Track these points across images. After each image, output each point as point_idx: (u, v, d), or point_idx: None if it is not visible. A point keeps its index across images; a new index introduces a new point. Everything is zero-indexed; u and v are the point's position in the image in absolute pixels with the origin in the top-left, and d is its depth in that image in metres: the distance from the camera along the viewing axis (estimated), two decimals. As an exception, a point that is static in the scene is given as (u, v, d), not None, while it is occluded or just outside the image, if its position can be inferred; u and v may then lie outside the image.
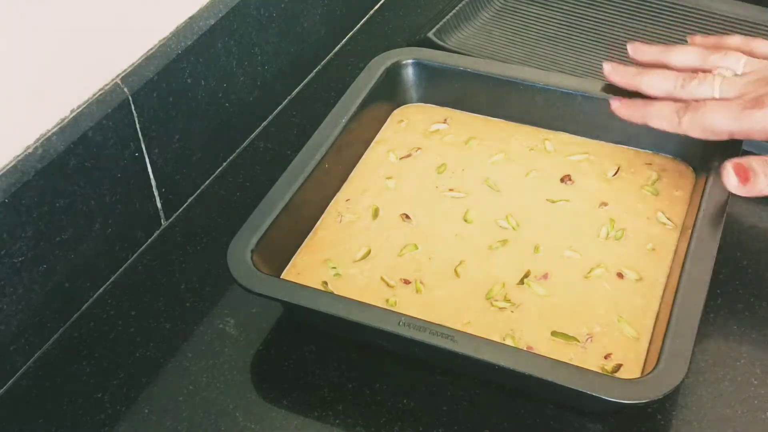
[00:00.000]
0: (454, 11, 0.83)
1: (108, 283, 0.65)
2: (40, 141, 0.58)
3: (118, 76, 0.63)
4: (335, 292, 0.60)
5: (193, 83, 0.68)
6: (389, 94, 0.73)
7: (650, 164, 0.68)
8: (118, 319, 0.63)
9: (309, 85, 0.83)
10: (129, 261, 0.67)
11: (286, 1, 0.76)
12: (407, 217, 0.65)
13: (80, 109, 0.60)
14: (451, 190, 0.67)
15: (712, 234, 0.58)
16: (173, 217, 0.70)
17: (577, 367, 0.52)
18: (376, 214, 0.66)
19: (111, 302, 0.64)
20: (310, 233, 0.65)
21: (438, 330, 0.53)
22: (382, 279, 0.61)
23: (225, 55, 0.71)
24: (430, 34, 0.81)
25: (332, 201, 0.67)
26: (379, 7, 0.91)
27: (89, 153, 0.60)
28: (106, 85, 0.62)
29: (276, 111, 0.79)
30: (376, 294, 0.60)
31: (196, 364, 0.60)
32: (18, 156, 0.56)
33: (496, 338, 0.57)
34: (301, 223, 0.64)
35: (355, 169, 0.70)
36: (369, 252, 0.63)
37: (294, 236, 0.64)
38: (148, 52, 0.65)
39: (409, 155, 0.70)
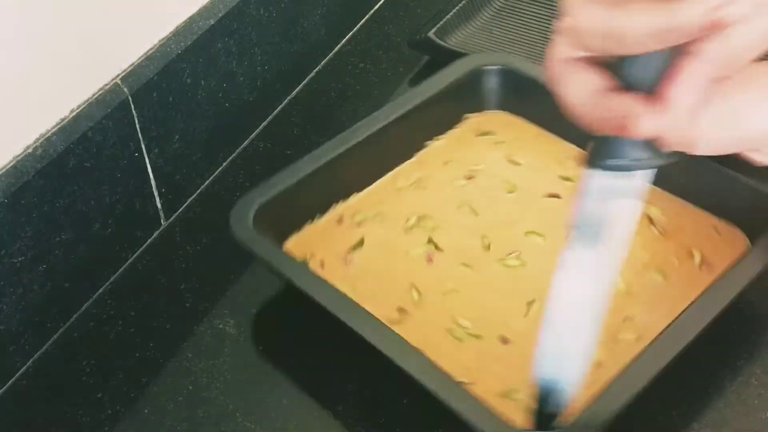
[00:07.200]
0: (454, 10, 0.83)
1: (108, 283, 0.65)
2: (39, 141, 0.58)
3: (118, 76, 0.63)
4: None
5: (193, 83, 0.68)
6: (468, 96, 0.71)
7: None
8: (118, 319, 0.63)
9: (309, 85, 0.82)
10: (129, 261, 0.67)
11: (286, 1, 0.76)
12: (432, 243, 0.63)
13: (80, 109, 0.60)
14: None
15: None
16: (173, 217, 0.70)
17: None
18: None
19: (111, 302, 0.64)
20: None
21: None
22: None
23: (225, 55, 0.71)
24: (431, 34, 0.81)
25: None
26: (379, 7, 0.91)
27: (89, 153, 0.60)
28: (106, 85, 0.62)
29: (276, 111, 0.79)
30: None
31: (196, 364, 0.60)
32: (18, 156, 0.56)
33: None
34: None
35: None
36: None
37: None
38: (148, 52, 0.65)
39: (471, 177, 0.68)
